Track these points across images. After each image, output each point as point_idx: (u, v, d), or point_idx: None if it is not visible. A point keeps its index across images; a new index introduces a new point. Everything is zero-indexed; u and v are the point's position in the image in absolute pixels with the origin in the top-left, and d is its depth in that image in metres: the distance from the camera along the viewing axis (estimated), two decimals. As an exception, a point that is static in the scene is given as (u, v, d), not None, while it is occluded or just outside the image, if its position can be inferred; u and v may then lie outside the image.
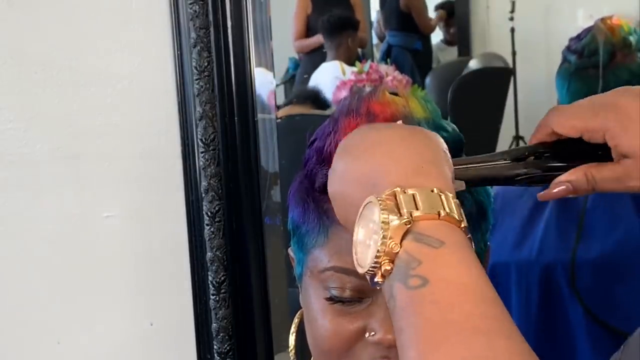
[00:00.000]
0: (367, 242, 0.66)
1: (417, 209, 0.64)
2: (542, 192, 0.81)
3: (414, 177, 0.67)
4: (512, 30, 5.90)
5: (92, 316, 1.27)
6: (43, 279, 1.25)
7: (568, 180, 0.79)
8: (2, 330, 1.25)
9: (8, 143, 1.21)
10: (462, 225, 0.66)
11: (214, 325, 1.27)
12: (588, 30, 1.64)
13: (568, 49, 1.67)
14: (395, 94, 0.85)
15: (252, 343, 1.29)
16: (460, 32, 6.77)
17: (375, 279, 0.65)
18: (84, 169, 1.24)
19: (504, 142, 5.63)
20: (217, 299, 1.26)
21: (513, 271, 1.58)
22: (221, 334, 1.27)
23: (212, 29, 1.22)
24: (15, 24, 1.20)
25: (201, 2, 1.21)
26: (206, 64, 1.22)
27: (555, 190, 0.80)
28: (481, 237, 0.86)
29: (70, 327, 1.27)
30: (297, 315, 0.90)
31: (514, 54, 5.90)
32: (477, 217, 0.84)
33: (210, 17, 1.22)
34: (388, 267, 0.64)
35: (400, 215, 0.64)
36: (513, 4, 5.90)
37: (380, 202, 0.65)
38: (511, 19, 5.91)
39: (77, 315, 1.27)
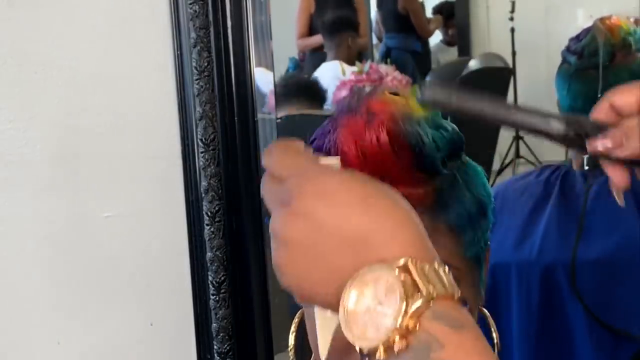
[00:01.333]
0: (369, 312, 0.57)
1: (433, 285, 0.57)
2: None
3: (418, 251, 0.59)
4: (512, 30, 5.91)
5: (92, 316, 1.27)
6: (43, 279, 1.25)
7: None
8: (2, 330, 1.25)
9: (8, 143, 1.21)
10: (457, 294, 0.59)
11: (214, 325, 1.27)
12: (587, 30, 1.64)
13: (568, 49, 1.67)
14: (396, 94, 0.85)
15: (252, 343, 1.29)
16: (460, 32, 6.77)
17: (377, 356, 0.57)
18: (84, 169, 1.24)
19: (504, 142, 5.63)
20: (217, 299, 1.26)
21: (513, 271, 1.58)
22: (221, 334, 1.27)
23: (212, 29, 1.22)
24: (15, 24, 1.20)
25: (201, 2, 1.21)
26: (206, 64, 1.22)
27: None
28: (481, 236, 0.86)
29: (70, 327, 1.27)
30: (298, 314, 0.91)
31: (514, 54, 5.91)
32: (477, 216, 0.85)
33: (210, 17, 1.22)
34: (401, 347, 0.56)
35: (419, 291, 0.57)
36: (513, 4, 5.91)
37: (394, 268, 0.57)
38: (511, 19, 5.91)
39: (77, 315, 1.27)
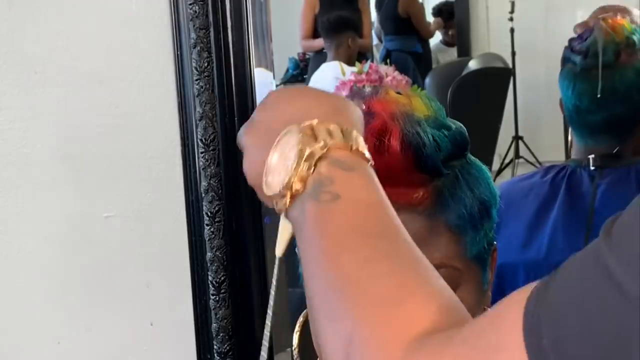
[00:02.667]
0: (279, 166, 0.69)
1: (332, 139, 0.69)
2: None
3: (332, 116, 0.71)
4: (512, 30, 5.90)
5: (92, 316, 1.27)
6: (43, 279, 1.25)
7: None
8: (2, 330, 1.25)
9: (8, 143, 1.21)
10: (370, 163, 0.70)
11: (214, 325, 1.27)
12: (590, 30, 1.63)
13: (571, 49, 1.66)
14: (399, 94, 0.85)
15: (252, 343, 1.29)
16: (459, 33, 6.77)
17: (283, 200, 0.68)
18: (84, 169, 1.24)
19: (503, 142, 5.64)
20: (217, 299, 1.26)
21: (521, 271, 1.58)
22: (221, 334, 1.27)
23: (212, 30, 1.22)
24: (15, 24, 1.20)
25: (201, 3, 1.21)
26: (206, 64, 1.22)
27: None
28: (484, 236, 0.86)
29: (70, 327, 1.27)
30: (302, 314, 0.91)
31: (513, 54, 5.90)
32: (478, 216, 0.84)
33: (210, 18, 1.22)
34: (299, 187, 0.68)
35: (317, 142, 0.68)
36: (512, 4, 5.91)
37: (299, 130, 0.69)
38: (511, 19, 5.91)
39: (77, 315, 1.27)
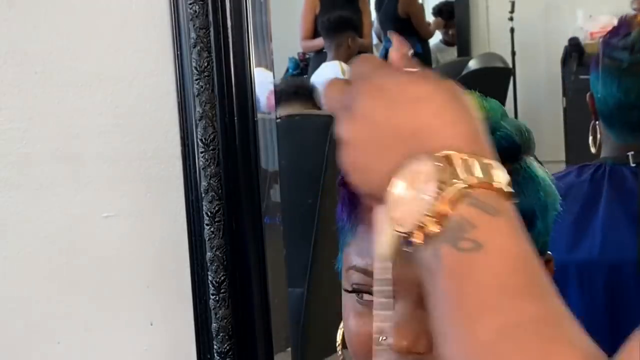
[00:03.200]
0: (410, 200, 0.61)
1: (473, 175, 0.61)
2: None
3: (468, 145, 0.63)
4: (512, 30, 5.90)
5: (92, 316, 1.27)
6: (43, 279, 1.25)
7: None
8: (2, 330, 1.25)
9: (8, 143, 1.21)
10: (514, 201, 0.63)
11: (213, 325, 1.27)
12: (627, 25, 1.62)
13: (612, 47, 1.64)
14: None
15: (252, 343, 1.29)
16: (459, 33, 6.77)
17: (413, 239, 0.61)
18: (84, 169, 1.24)
19: (503, 142, 5.62)
20: (217, 298, 1.26)
21: (572, 272, 1.56)
22: (221, 334, 1.27)
23: (212, 29, 1.22)
24: (15, 24, 1.20)
25: (201, 2, 1.21)
26: (206, 64, 1.22)
27: None
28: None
29: (70, 327, 1.27)
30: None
31: (513, 54, 5.90)
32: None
33: (210, 17, 1.22)
34: (436, 229, 0.60)
35: (456, 178, 0.61)
36: (512, 4, 5.91)
37: (436, 159, 0.61)
38: (511, 19, 5.91)
39: (77, 315, 1.27)
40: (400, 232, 0.62)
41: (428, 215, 0.60)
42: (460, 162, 0.61)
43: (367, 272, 0.80)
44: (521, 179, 0.82)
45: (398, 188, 0.62)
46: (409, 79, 0.66)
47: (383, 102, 0.65)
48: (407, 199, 0.62)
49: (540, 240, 0.85)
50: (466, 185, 0.60)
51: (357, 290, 0.81)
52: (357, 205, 0.82)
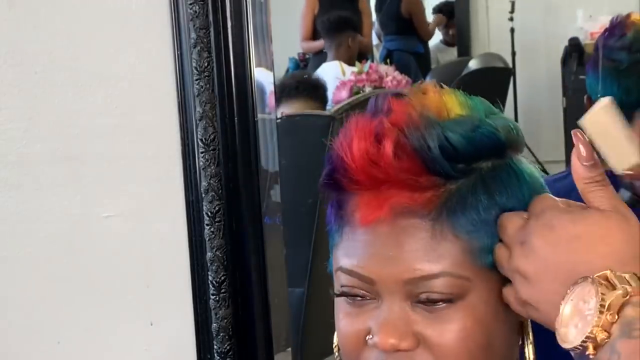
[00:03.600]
0: (576, 318, 0.71)
1: (630, 285, 0.70)
2: None
3: (620, 266, 0.72)
4: (512, 30, 5.90)
5: (92, 316, 1.27)
6: (43, 279, 1.25)
7: None
8: (2, 330, 1.25)
9: (8, 143, 1.21)
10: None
11: (214, 325, 1.27)
12: (622, 26, 1.62)
13: (610, 48, 1.64)
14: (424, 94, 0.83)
15: (252, 343, 1.29)
16: (460, 33, 6.78)
17: (587, 353, 0.70)
18: (84, 169, 1.24)
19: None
20: (217, 298, 1.26)
21: None
22: (221, 334, 1.27)
23: (212, 30, 1.22)
24: (15, 24, 1.20)
25: (201, 3, 1.21)
26: (206, 64, 1.22)
27: None
28: None
29: (70, 327, 1.27)
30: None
31: (513, 54, 5.90)
32: (493, 222, 0.82)
33: (211, 18, 1.22)
34: (604, 336, 0.69)
35: (616, 290, 0.70)
36: (512, 4, 5.90)
37: (594, 279, 0.70)
38: (511, 19, 5.91)
39: (77, 315, 1.27)
40: (573, 346, 0.71)
41: (595, 328, 0.69)
42: (617, 277, 0.71)
43: (353, 273, 0.80)
44: (505, 175, 0.83)
45: (565, 309, 0.72)
46: (572, 218, 0.77)
47: (550, 240, 0.76)
48: (573, 317, 0.72)
49: None
50: (625, 295, 0.69)
51: (345, 294, 0.82)
52: (342, 206, 0.82)
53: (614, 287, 0.70)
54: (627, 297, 0.69)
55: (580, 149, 0.78)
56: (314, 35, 5.18)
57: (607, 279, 0.71)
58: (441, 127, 0.79)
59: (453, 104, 0.82)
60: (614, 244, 0.74)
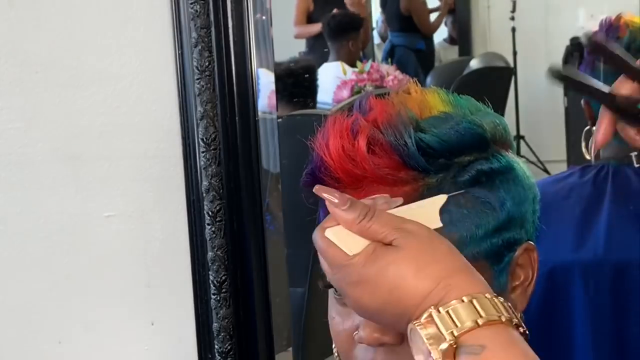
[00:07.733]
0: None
1: (456, 326, 0.68)
2: None
3: (440, 292, 0.70)
4: (513, 29, 5.90)
5: (92, 316, 1.27)
6: (43, 279, 1.25)
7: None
8: (2, 330, 1.25)
9: (8, 143, 1.21)
10: (504, 320, 0.69)
11: (214, 324, 1.27)
12: (613, 29, 1.62)
13: None
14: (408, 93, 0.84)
15: (253, 343, 1.29)
16: (461, 32, 6.78)
17: None
18: (84, 169, 1.24)
19: (504, 141, 5.62)
20: (218, 298, 1.26)
21: (576, 273, 1.56)
22: (222, 334, 1.27)
23: (213, 29, 1.22)
24: (15, 24, 1.20)
25: (202, 2, 1.21)
26: (207, 63, 1.22)
27: None
28: (489, 236, 0.83)
29: (71, 327, 1.27)
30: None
31: (514, 53, 5.90)
32: (477, 216, 0.83)
33: (211, 17, 1.22)
34: None
35: (443, 339, 0.68)
36: (514, 3, 5.91)
37: (420, 328, 0.69)
38: (512, 18, 5.91)
39: (77, 315, 1.27)
40: None
41: None
42: (440, 318, 0.68)
43: None
44: (488, 169, 0.83)
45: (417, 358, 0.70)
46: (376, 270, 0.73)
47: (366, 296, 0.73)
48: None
49: (515, 227, 0.86)
50: (452, 343, 0.67)
51: (330, 286, 0.82)
52: (323, 204, 0.82)
53: (441, 332, 0.68)
54: (455, 344, 0.67)
55: (330, 198, 0.75)
56: (309, 20, 5.23)
57: (432, 321, 0.69)
58: (418, 123, 0.80)
59: (435, 102, 0.84)
60: (424, 270, 0.71)
